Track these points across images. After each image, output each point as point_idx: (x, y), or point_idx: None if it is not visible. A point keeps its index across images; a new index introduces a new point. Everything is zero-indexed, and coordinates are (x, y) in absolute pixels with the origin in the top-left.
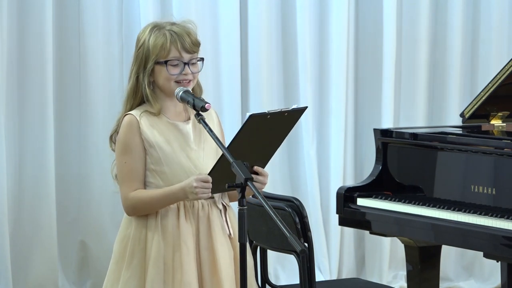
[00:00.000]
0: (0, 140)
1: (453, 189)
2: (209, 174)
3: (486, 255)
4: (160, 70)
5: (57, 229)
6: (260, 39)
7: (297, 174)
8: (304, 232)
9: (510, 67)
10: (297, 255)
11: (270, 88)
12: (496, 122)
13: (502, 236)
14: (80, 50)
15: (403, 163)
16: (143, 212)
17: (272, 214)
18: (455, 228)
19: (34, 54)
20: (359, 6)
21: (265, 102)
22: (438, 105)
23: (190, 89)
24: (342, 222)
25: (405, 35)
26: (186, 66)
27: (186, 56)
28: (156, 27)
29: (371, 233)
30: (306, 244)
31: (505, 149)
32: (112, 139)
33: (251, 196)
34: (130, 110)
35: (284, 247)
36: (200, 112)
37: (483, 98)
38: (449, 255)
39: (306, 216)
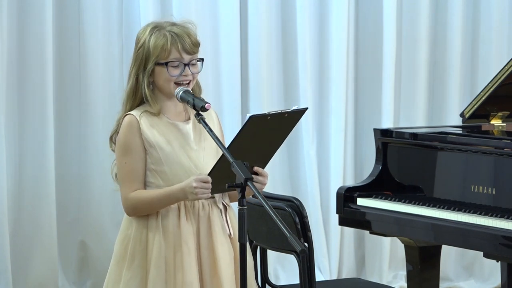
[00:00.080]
0: (0, 140)
1: (453, 189)
2: (209, 174)
3: (486, 255)
4: (161, 71)
5: (57, 229)
6: (260, 39)
7: (297, 174)
8: (304, 232)
9: (510, 67)
10: (297, 255)
11: (270, 88)
12: (496, 122)
13: (502, 236)
14: (80, 50)
15: (403, 163)
16: (144, 212)
17: (272, 214)
18: (455, 228)
19: (34, 54)
20: (359, 6)
21: (265, 102)
22: (438, 105)
23: (189, 89)
24: (342, 222)
25: (405, 35)
26: (186, 67)
27: (186, 57)
28: (156, 28)
29: (371, 233)
30: (306, 244)
31: (505, 149)
32: (112, 139)
33: (251, 196)
34: (130, 110)
35: (284, 247)
36: (200, 112)
37: (483, 98)
38: (449, 255)
39: (306, 216)
